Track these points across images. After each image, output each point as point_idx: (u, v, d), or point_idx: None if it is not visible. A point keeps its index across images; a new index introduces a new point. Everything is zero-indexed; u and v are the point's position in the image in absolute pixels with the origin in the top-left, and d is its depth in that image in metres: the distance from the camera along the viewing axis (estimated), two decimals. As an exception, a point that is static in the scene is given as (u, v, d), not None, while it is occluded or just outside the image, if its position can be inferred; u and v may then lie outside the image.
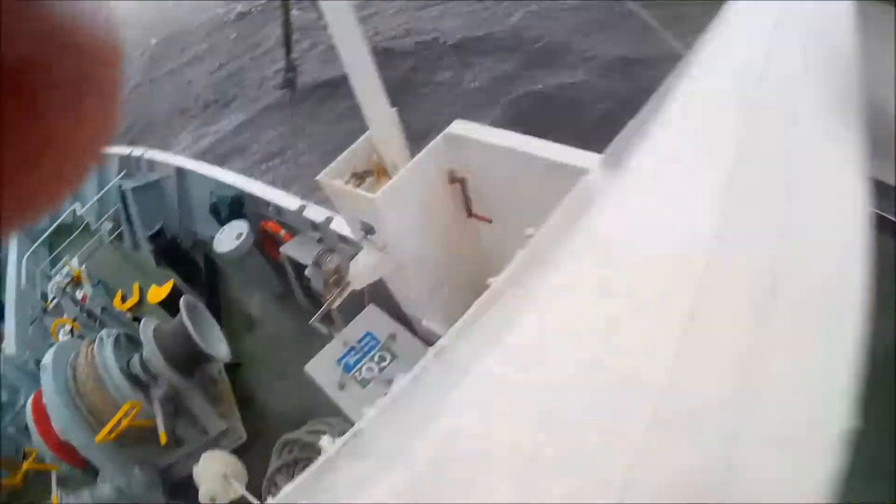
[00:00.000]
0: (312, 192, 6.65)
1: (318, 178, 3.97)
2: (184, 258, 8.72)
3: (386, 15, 18.72)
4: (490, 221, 4.25)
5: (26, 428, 6.29)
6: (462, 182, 4.07)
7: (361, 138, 4.02)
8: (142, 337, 6.06)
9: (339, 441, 1.70)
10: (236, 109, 21.02)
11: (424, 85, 15.05)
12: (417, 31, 17.52)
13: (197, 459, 6.41)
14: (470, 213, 4.28)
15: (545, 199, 3.61)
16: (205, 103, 23.11)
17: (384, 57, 16.45)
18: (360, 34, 3.51)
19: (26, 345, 8.56)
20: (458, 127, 3.97)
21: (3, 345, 8.78)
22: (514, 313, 1.76)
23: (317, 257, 4.59)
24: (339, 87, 17.14)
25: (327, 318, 5.23)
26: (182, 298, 6.25)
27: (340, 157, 4.03)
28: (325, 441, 2.76)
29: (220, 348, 6.31)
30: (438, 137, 3.94)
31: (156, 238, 8.62)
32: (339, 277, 4.34)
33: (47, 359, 5.98)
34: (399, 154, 3.95)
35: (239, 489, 3.39)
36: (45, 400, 5.76)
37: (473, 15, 16.73)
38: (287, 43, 3.82)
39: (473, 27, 16.17)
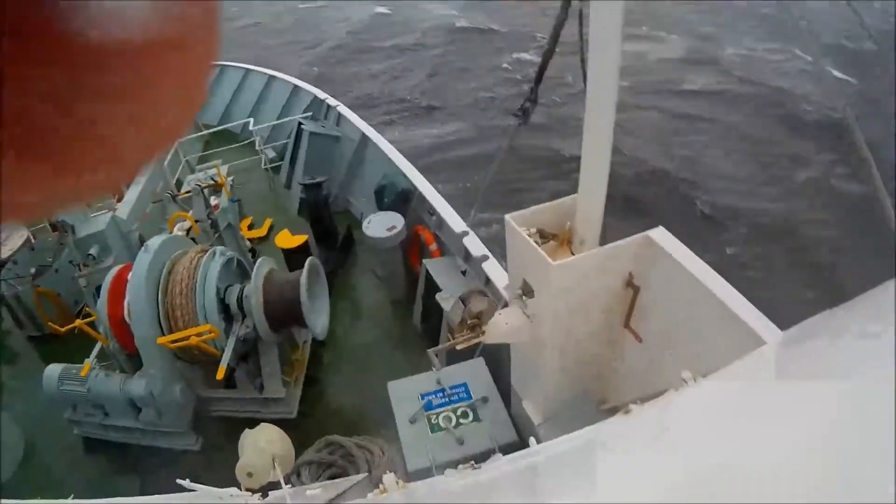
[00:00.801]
0: (471, 218, 6.54)
1: (507, 216, 3.82)
2: (327, 220, 8.73)
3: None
4: (640, 341, 3.96)
5: (97, 289, 6.43)
6: (636, 290, 3.80)
7: (566, 199, 3.84)
8: (253, 273, 6.06)
9: None
10: (458, 117, 22.17)
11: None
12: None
13: (241, 409, 6.42)
14: (626, 324, 4.01)
15: (708, 347, 3.34)
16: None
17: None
18: (613, 102, 3.37)
19: (138, 217, 8.76)
20: (658, 235, 3.72)
21: (118, 204, 9.03)
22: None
23: (467, 293, 4.41)
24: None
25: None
26: (309, 259, 6.25)
27: (537, 208, 3.86)
28: (387, 480, 2.60)
29: (319, 322, 6.24)
30: (636, 237, 3.71)
31: (311, 188, 8.57)
32: (477, 323, 4.16)
33: (154, 242, 6.00)
34: (593, 233, 3.74)
35: (279, 475, 3.21)
36: (131, 277, 5.80)
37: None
38: (540, 74, 3.72)
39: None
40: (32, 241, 9.35)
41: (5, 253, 10.86)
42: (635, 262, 3.77)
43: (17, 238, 11.21)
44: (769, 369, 2.06)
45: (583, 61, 3.35)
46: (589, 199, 3.61)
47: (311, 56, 30.99)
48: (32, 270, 8.22)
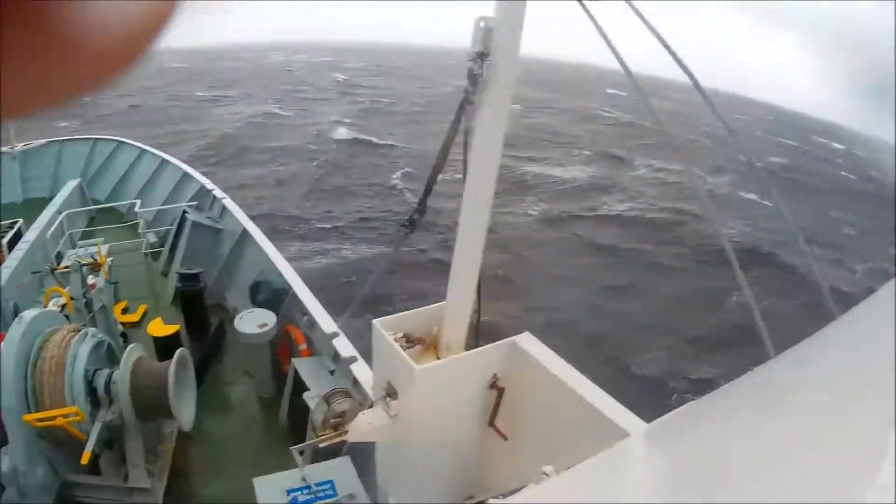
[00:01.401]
0: (345, 321, 6.65)
1: (374, 321, 3.96)
2: (201, 312, 8.63)
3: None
4: (505, 439, 4.11)
5: None
6: (500, 392, 3.99)
7: (434, 306, 4.03)
8: (122, 359, 5.92)
9: None
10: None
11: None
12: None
13: (105, 496, 6.11)
14: (491, 423, 4.17)
15: (572, 442, 3.54)
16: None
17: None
18: (486, 219, 3.66)
19: (15, 285, 8.35)
20: (525, 340, 3.95)
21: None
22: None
23: (330, 394, 4.47)
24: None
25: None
26: (179, 350, 6.17)
27: (405, 314, 4.03)
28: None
29: (186, 414, 6.12)
30: (502, 342, 3.93)
31: (187, 279, 8.55)
32: (340, 422, 4.20)
33: (28, 314, 5.81)
34: (458, 339, 3.92)
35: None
36: (2, 347, 5.58)
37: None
38: (429, 186, 3.97)
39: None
40: None
41: None
42: (500, 364, 3.96)
43: None
44: (632, 461, 2.10)
45: (464, 175, 3.64)
46: (456, 307, 3.82)
47: (193, 150, 31.28)
48: None
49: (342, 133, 39.44)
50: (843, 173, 58.39)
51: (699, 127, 45.32)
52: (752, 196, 32.23)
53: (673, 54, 3.15)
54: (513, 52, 3.40)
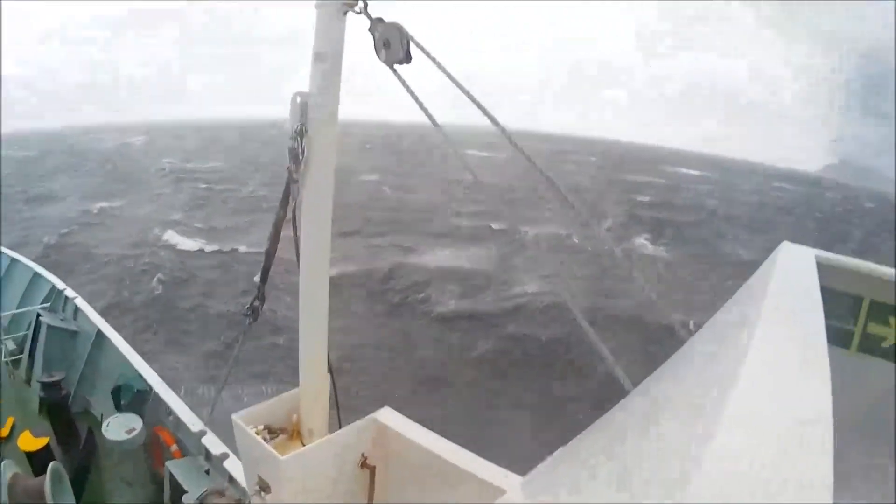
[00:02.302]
0: (206, 417, 6.51)
1: (233, 416, 3.78)
2: (68, 421, 8.13)
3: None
4: None
5: None
6: (372, 470, 3.89)
7: (288, 394, 3.91)
8: None
9: None
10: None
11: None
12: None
13: None
14: (370, 502, 4.05)
15: (453, 509, 3.48)
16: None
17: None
18: (325, 296, 3.59)
19: None
20: (385, 415, 3.90)
21: None
22: None
23: (204, 496, 4.24)
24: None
25: None
26: (51, 465, 5.87)
27: (262, 405, 3.88)
28: None
29: None
30: (363, 420, 3.85)
31: (49, 387, 8.05)
32: (219, 522, 3.99)
33: None
34: (320, 423, 3.82)
35: None
36: None
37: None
38: (265, 273, 3.87)
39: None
40: None
41: None
42: (367, 443, 3.88)
43: None
44: None
45: (297, 253, 3.57)
46: (310, 390, 3.72)
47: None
48: None
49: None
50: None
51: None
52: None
53: (479, 104, 3.24)
54: (331, 125, 3.39)
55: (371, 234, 36.53)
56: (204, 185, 55.88)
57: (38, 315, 9.90)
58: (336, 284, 4.00)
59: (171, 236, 36.17)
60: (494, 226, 35.75)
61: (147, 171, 62.76)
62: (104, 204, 45.52)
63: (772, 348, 1.70)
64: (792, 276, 2.50)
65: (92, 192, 50.03)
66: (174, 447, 6.59)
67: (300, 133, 3.33)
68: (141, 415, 7.05)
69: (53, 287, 11.06)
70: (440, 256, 32.39)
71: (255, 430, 3.77)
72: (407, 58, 3.18)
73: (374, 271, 28.92)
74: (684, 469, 1.14)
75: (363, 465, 3.88)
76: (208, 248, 34.18)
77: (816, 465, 1.06)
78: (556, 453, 2.35)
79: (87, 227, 38.10)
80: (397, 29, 3.15)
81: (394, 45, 3.16)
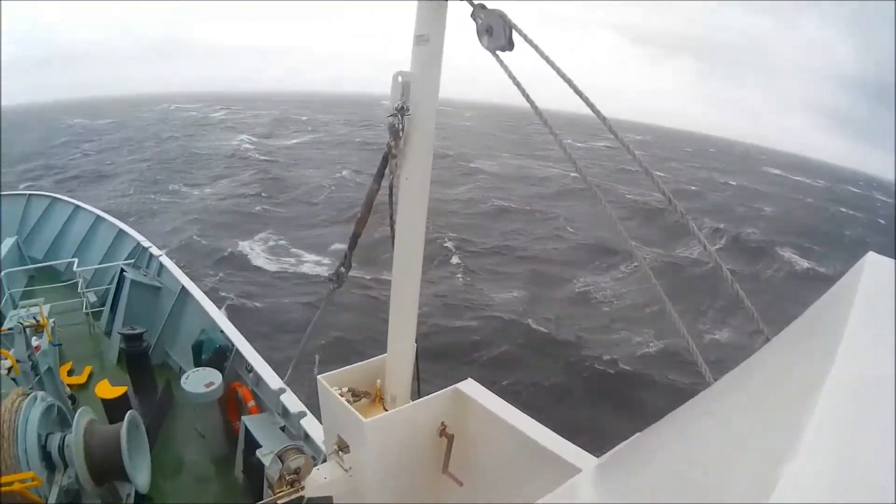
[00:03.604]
0: (289, 376, 6.64)
1: (319, 377, 3.94)
2: (147, 373, 8.52)
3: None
4: (461, 484, 4.12)
5: None
6: (450, 439, 4.01)
7: (375, 359, 4.05)
8: (73, 423, 5.85)
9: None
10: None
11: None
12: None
13: None
14: (445, 470, 4.17)
15: (526, 482, 3.57)
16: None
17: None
18: (418, 269, 3.70)
19: None
20: (468, 386, 3.99)
21: None
22: None
23: (283, 451, 4.42)
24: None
25: None
26: (129, 413, 6.11)
27: (348, 368, 4.03)
28: None
29: (141, 476, 6.08)
30: (446, 390, 3.96)
31: (130, 339, 8.40)
32: (295, 478, 4.16)
33: None
34: (403, 390, 3.95)
35: None
36: None
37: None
38: (354, 240, 3.99)
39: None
40: None
41: None
42: (447, 412, 3.99)
43: None
44: (585, 496, 2.12)
45: (392, 227, 3.68)
46: (397, 358, 3.85)
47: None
48: None
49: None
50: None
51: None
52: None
53: (582, 95, 3.23)
54: (431, 104, 3.46)
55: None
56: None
57: (122, 270, 10.30)
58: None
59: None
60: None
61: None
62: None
63: (860, 355, 1.68)
64: (881, 286, 2.44)
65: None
66: (251, 403, 6.79)
67: (401, 111, 3.41)
68: (220, 370, 7.28)
69: (138, 244, 11.48)
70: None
71: (338, 391, 3.94)
72: (510, 45, 3.18)
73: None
74: (767, 472, 1.15)
75: (442, 433, 3.99)
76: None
77: None
78: (633, 438, 2.36)
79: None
80: (500, 16, 3.14)
81: (496, 31, 3.16)
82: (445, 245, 28.14)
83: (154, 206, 34.89)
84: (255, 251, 26.88)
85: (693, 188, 51.93)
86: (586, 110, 3.35)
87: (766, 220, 43.46)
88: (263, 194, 38.50)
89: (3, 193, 16.40)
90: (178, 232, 28.26)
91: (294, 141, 67.50)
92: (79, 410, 6.09)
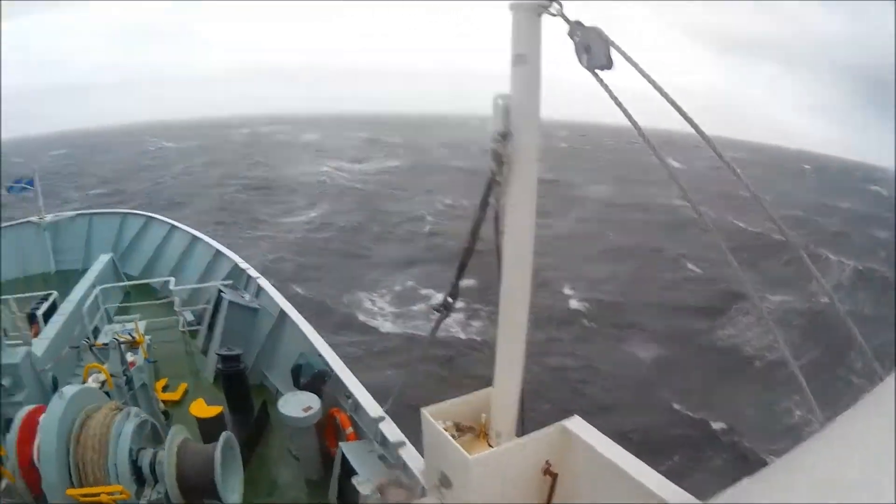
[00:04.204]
0: (387, 405, 6.54)
1: (423, 410, 3.87)
2: (244, 393, 8.61)
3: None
4: None
5: (6, 423, 6.12)
6: (554, 477, 3.85)
7: (480, 392, 3.95)
8: (167, 440, 5.92)
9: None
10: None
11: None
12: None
13: None
14: (547, 509, 4.01)
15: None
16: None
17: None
18: (527, 299, 3.57)
19: (53, 358, 8.36)
20: (574, 423, 3.84)
21: (35, 339, 8.72)
22: None
23: (384, 484, 4.37)
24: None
25: None
26: (224, 433, 6.14)
27: (452, 401, 3.94)
28: None
29: (233, 496, 6.06)
30: (552, 427, 3.81)
31: (228, 360, 8.50)
32: (396, 513, 4.11)
33: (70, 390, 5.81)
34: (508, 426, 3.82)
35: None
36: (43, 421, 5.59)
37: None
38: (461, 270, 3.91)
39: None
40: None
41: None
42: (552, 450, 3.84)
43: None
44: None
45: (498, 259, 3.57)
46: (503, 393, 3.73)
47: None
48: None
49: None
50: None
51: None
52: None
53: (686, 116, 3.05)
54: (533, 128, 3.35)
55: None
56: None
57: (220, 291, 10.48)
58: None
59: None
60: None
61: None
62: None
63: None
64: None
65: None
66: (349, 429, 6.77)
67: (504, 136, 3.31)
68: (319, 394, 7.27)
69: (235, 265, 11.76)
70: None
71: (443, 425, 3.84)
72: (609, 63, 3.04)
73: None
74: None
75: (546, 471, 3.85)
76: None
77: None
78: (741, 483, 2.21)
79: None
80: (598, 33, 3.02)
81: (595, 49, 3.04)
82: (562, 290, 25.18)
83: (244, 235, 33.27)
84: (370, 301, 24.02)
85: (799, 213, 47.42)
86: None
87: (886, 249, 38.63)
88: (359, 224, 36.72)
89: (98, 211, 17.33)
90: (274, 266, 26.23)
91: (388, 164, 66.59)
92: (173, 428, 6.16)
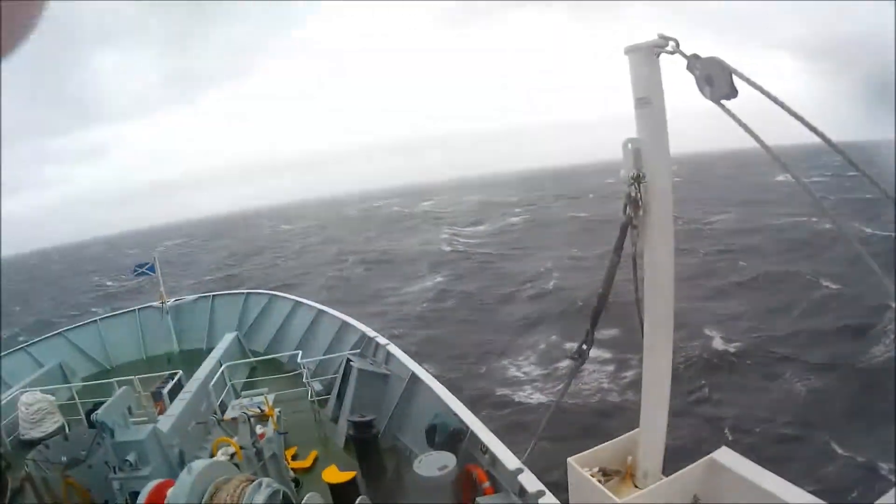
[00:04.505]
0: (525, 455, 6.43)
1: (569, 459, 3.90)
2: (375, 457, 8.73)
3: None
4: None
5: (131, 496, 6.40)
6: (703, 509, 3.77)
7: (625, 437, 3.95)
8: None
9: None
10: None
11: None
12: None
13: None
14: (696, 546, 3.90)
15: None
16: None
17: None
18: (670, 340, 3.58)
19: (179, 433, 8.72)
20: (724, 455, 3.75)
21: (160, 417, 9.10)
22: None
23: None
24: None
25: None
26: (360, 498, 6.27)
27: (597, 448, 3.96)
28: None
29: None
30: (700, 462, 3.75)
31: (360, 426, 8.70)
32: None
33: (198, 465, 5.94)
34: (655, 465, 3.80)
35: None
36: (171, 496, 5.70)
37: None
38: (595, 317, 3.96)
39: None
40: (67, 430, 9.46)
41: (37, 434, 10.76)
42: (701, 484, 3.77)
43: (50, 422, 11.16)
44: None
45: (638, 302, 3.61)
46: (650, 433, 3.72)
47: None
48: (64, 459, 8.09)
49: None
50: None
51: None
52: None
53: (815, 130, 3.02)
54: (665, 168, 3.42)
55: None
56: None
57: (349, 360, 10.82)
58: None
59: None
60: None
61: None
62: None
63: None
64: None
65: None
66: (486, 484, 6.76)
67: (637, 179, 3.39)
68: (455, 452, 7.33)
69: (363, 335, 12.08)
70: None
71: (589, 472, 3.85)
72: (734, 91, 3.04)
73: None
74: None
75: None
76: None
77: None
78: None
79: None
80: (718, 63, 3.02)
81: (717, 80, 3.06)
82: (703, 329, 22.86)
83: (365, 311, 30.07)
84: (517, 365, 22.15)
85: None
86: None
87: None
88: (480, 288, 34.79)
89: (221, 293, 18.43)
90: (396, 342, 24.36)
91: (504, 222, 66.43)
92: (307, 494, 6.21)
